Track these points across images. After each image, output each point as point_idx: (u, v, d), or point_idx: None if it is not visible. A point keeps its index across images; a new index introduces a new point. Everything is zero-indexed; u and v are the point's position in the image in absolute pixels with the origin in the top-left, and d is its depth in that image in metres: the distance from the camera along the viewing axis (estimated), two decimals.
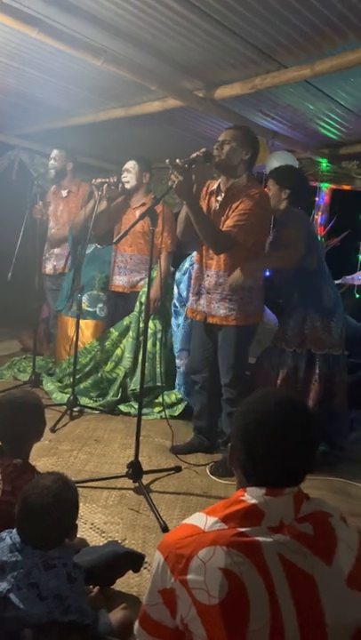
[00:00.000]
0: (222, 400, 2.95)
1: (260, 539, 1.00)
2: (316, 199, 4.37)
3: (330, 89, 3.16)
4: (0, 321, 5.55)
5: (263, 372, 3.11)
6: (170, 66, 2.99)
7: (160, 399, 3.54)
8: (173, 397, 3.62)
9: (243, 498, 1.08)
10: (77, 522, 1.52)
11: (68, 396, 3.58)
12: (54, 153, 4.17)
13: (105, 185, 3.50)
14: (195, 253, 3.04)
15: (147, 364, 3.42)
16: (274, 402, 1.14)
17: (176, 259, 3.84)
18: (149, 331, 3.61)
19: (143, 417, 2.83)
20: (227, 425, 2.94)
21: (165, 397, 3.58)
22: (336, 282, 3.63)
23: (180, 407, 3.60)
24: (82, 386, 3.81)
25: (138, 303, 3.69)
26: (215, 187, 2.82)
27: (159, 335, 3.64)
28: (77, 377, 3.77)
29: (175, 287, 3.63)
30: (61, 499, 1.43)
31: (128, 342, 3.73)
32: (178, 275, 3.65)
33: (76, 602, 1.38)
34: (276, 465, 1.08)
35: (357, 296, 4.50)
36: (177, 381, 3.64)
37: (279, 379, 3.00)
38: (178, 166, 2.43)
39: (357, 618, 1.01)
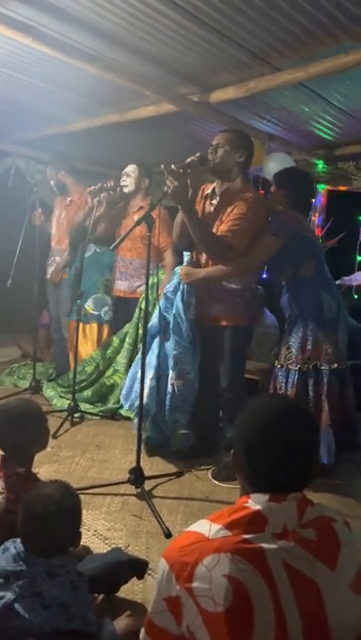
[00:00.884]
0: (221, 403, 2.95)
1: (265, 545, 1.00)
2: (313, 200, 4.38)
3: (324, 91, 3.17)
4: None
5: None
6: (164, 71, 3.00)
7: None
8: None
9: (246, 504, 1.08)
10: (80, 529, 1.51)
11: (69, 402, 3.58)
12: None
13: (103, 193, 3.50)
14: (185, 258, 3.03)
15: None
16: (276, 408, 1.14)
17: None
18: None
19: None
20: (227, 429, 2.94)
21: None
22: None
23: None
24: (84, 394, 3.81)
25: (137, 309, 3.69)
26: (210, 190, 2.83)
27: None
28: (82, 385, 3.79)
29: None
30: (64, 506, 1.43)
31: (124, 348, 3.73)
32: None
33: (79, 610, 1.38)
34: (279, 471, 1.08)
35: (355, 297, 4.50)
36: (170, 408, 2.95)
37: None
38: (173, 171, 2.44)
39: None
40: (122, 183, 3.67)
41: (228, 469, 2.82)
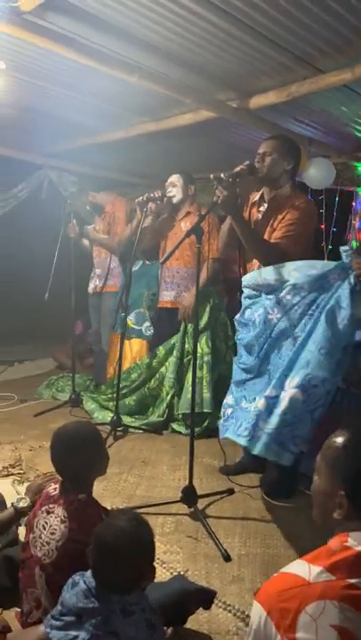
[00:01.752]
0: None
1: None
2: (353, 204, 4.27)
3: None
4: (34, 339, 5.56)
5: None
6: (204, 78, 2.94)
7: (206, 424, 3.45)
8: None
9: (347, 544, 1.00)
10: (154, 563, 1.44)
11: (112, 415, 3.53)
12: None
13: (150, 203, 3.47)
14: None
15: (190, 388, 3.35)
16: None
17: None
18: (201, 352, 3.54)
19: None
20: None
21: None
22: None
23: None
24: (126, 401, 3.77)
25: (183, 322, 3.63)
26: (257, 198, 2.75)
27: (206, 358, 3.56)
28: (124, 392, 3.76)
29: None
30: (138, 540, 1.37)
31: (171, 362, 3.68)
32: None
33: None
34: None
35: None
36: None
37: None
38: (222, 180, 2.37)
39: None
40: (168, 194, 3.63)
41: (282, 486, 2.74)
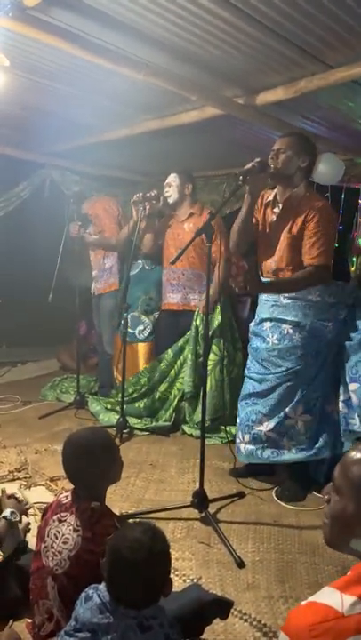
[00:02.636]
0: None
1: None
2: (359, 201, 4.21)
3: None
4: (37, 340, 5.50)
5: None
6: (211, 75, 2.88)
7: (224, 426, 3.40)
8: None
9: None
10: (171, 574, 1.40)
11: (118, 417, 3.49)
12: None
13: (147, 203, 3.41)
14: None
15: (215, 392, 3.34)
16: None
17: None
18: (214, 356, 3.50)
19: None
20: None
21: (234, 430, 3.42)
22: None
23: None
24: (136, 405, 3.73)
25: (193, 324, 3.58)
26: (271, 197, 2.70)
27: (226, 362, 3.53)
28: (134, 396, 3.75)
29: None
30: (155, 552, 1.32)
31: (187, 365, 3.63)
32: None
33: None
34: None
35: None
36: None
37: None
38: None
39: None
40: (165, 194, 3.58)
41: (294, 489, 2.70)
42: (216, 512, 2.51)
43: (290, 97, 2.95)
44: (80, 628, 1.32)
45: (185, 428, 3.56)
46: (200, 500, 2.43)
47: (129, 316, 3.96)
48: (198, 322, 3.56)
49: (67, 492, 1.74)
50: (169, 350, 3.75)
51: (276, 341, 2.67)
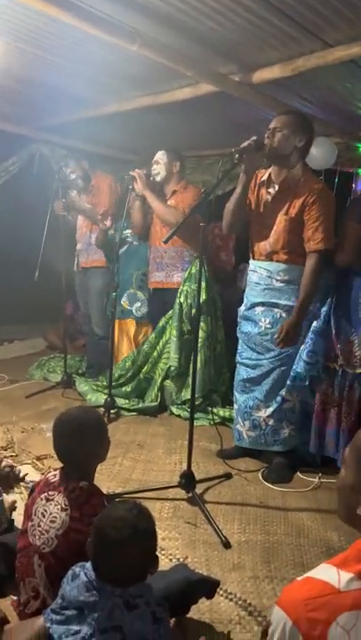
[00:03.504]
0: None
1: None
2: (353, 186, 4.19)
3: None
4: (24, 318, 5.44)
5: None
6: (206, 49, 2.81)
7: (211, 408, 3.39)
8: (228, 414, 3.39)
9: None
10: (157, 552, 1.39)
11: (105, 397, 3.47)
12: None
13: (133, 180, 3.38)
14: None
15: (204, 368, 3.35)
16: None
17: None
18: (203, 333, 3.48)
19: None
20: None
21: (221, 412, 3.44)
22: None
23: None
24: (123, 389, 3.72)
25: (177, 301, 3.56)
26: (265, 177, 2.65)
27: (211, 339, 3.52)
28: (121, 381, 3.71)
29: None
30: (140, 530, 1.30)
31: (171, 341, 3.60)
32: None
33: None
34: None
35: None
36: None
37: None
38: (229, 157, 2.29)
39: None
40: (153, 172, 3.53)
41: (281, 471, 2.71)
42: (203, 493, 2.52)
43: (287, 75, 2.89)
44: (67, 605, 1.31)
45: (173, 408, 3.55)
46: (187, 480, 2.43)
47: (126, 293, 3.98)
48: (182, 299, 3.53)
49: (55, 470, 1.72)
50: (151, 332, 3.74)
51: (268, 325, 2.67)
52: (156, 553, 1.37)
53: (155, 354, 3.71)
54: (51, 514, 1.58)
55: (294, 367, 2.66)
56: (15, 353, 5.09)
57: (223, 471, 2.73)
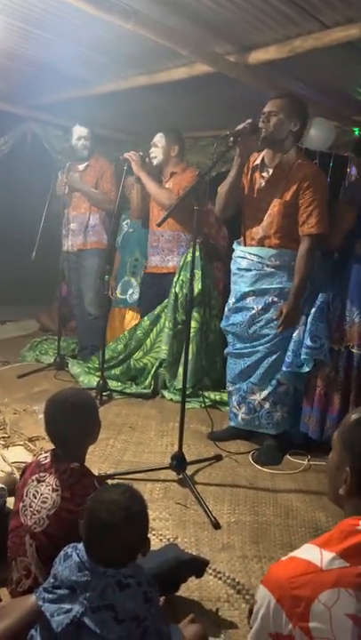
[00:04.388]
0: None
1: None
2: (348, 170, 4.17)
3: None
4: (17, 300, 5.42)
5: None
6: (202, 28, 2.77)
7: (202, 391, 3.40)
8: (219, 397, 3.44)
9: (359, 527, 0.96)
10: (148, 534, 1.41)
11: (98, 379, 3.48)
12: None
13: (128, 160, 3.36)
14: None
15: (196, 358, 3.38)
16: None
17: None
18: (196, 324, 3.49)
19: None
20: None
21: (213, 395, 3.47)
22: None
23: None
24: (113, 372, 3.73)
25: (173, 291, 3.54)
26: (259, 161, 2.64)
27: (205, 329, 3.53)
28: (112, 363, 3.73)
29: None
30: (132, 512, 1.33)
31: (164, 333, 3.60)
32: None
33: (153, 623, 1.29)
34: None
35: None
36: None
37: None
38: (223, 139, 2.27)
39: None
40: (150, 155, 3.49)
41: (271, 453, 2.74)
42: (193, 474, 2.55)
43: (283, 57, 2.86)
44: (59, 585, 1.33)
45: (165, 392, 3.58)
46: (178, 462, 2.45)
47: (120, 282, 4.02)
48: (178, 289, 3.52)
49: (46, 452, 1.73)
50: (145, 317, 3.74)
51: (261, 311, 2.68)
52: (148, 535, 1.40)
53: (148, 342, 3.72)
54: (42, 495, 1.60)
55: (293, 357, 2.66)
56: (7, 334, 5.08)
57: (214, 453, 2.76)
